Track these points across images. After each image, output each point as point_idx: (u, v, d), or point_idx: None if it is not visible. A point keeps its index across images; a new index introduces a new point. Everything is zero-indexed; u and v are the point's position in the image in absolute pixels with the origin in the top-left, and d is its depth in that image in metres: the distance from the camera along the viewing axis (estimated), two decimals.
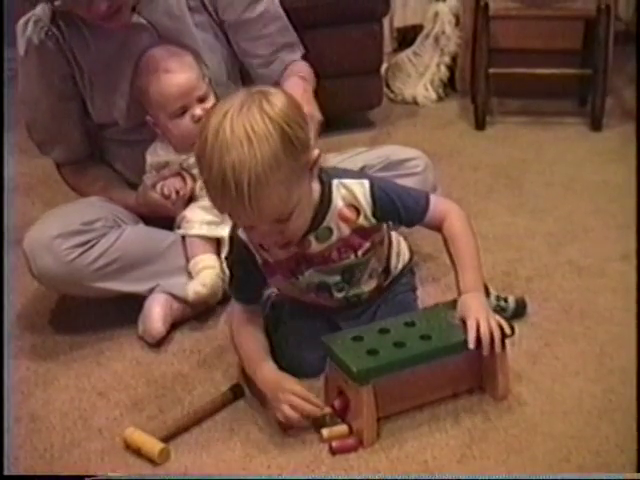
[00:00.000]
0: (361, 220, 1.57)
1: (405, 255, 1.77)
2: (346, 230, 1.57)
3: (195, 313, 1.90)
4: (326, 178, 1.55)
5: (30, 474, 1.48)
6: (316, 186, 1.53)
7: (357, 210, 1.56)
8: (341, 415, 1.52)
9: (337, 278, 1.63)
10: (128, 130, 1.95)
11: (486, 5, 2.97)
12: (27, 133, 2.03)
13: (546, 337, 1.78)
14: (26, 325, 1.93)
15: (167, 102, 1.85)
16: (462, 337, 1.53)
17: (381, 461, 1.46)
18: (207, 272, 1.86)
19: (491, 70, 3.03)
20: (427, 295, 1.86)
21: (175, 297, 1.86)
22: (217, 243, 1.92)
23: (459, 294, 1.58)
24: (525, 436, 1.50)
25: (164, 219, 1.95)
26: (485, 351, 1.51)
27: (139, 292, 1.86)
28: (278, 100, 1.40)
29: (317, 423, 1.52)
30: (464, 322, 1.53)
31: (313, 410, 1.50)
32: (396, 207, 1.57)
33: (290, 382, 1.54)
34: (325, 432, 1.50)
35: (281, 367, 1.64)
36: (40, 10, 1.88)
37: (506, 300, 1.82)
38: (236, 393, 1.62)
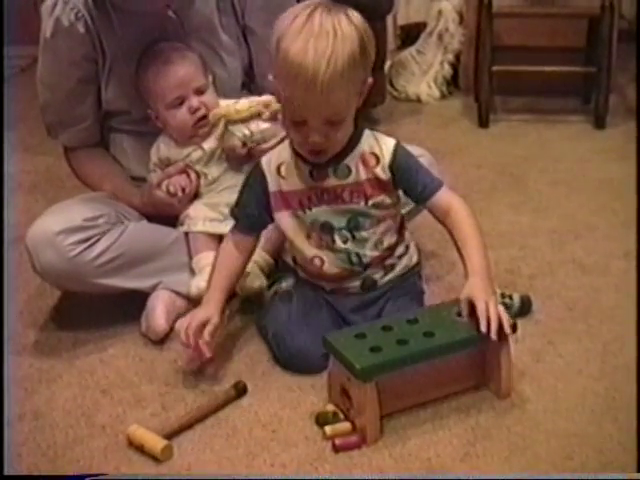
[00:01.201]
0: (379, 170, 1.64)
1: (413, 257, 1.79)
2: (363, 175, 1.64)
3: None
4: (360, 125, 1.65)
5: (32, 472, 1.48)
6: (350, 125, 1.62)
7: (377, 159, 1.64)
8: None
9: (342, 222, 1.66)
10: (138, 120, 1.95)
11: (490, 3, 2.97)
12: (41, 114, 2.01)
13: (549, 335, 1.78)
14: (29, 322, 1.92)
15: (164, 92, 1.86)
16: (465, 334, 1.53)
17: (384, 459, 1.46)
18: (209, 269, 1.85)
19: (494, 68, 3.03)
20: (431, 293, 1.85)
21: (178, 294, 1.86)
22: (220, 240, 1.91)
23: (467, 278, 1.58)
24: (528, 434, 1.50)
25: (168, 217, 1.95)
26: (493, 334, 1.50)
27: (142, 288, 1.86)
28: (359, 16, 1.55)
29: (320, 420, 1.53)
30: (472, 304, 1.53)
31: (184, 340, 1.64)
32: (412, 174, 1.66)
33: (201, 314, 1.66)
34: (328, 429, 1.50)
35: (284, 360, 1.69)
36: None
37: (511, 297, 1.82)
38: (239, 391, 1.62)
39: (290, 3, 1.98)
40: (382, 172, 1.64)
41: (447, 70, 3.42)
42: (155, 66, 1.86)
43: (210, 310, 1.67)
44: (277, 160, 1.67)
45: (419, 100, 3.38)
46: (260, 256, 1.87)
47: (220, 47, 1.95)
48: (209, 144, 1.90)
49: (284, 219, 1.69)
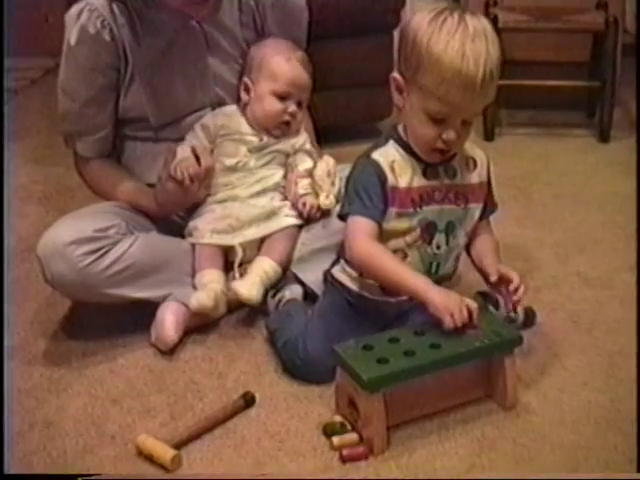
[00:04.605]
0: (478, 170, 1.72)
1: None
2: (466, 178, 1.71)
3: (208, 321, 1.91)
4: None
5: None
6: None
7: (474, 163, 1.73)
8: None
9: (443, 225, 1.69)
10: (155, 127, 1.97)
11: (495, 17, 2.99)
12: (59, 123, 2.02)
13: (554, 347, 1.79)
14: (39, 331, 1.93)
15: (281, 79, 1.94)
16: (472, 346, 1.55)
17: (391, 469, 1.47)
18: (212, 286, 1.86)
19: (500, 82, 3.04)
20: None
21: (188, 305, 1.87)
22: (225, 257, 1.93)
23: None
24: (533, 446, 1.51)
25: (177, 228, 1.97)
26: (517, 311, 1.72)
27: (152, 299, 1.86)
28: None
29: (328, 431, 1.54)
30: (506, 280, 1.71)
31: None
32: (491, 184, 1.76)
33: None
34: (336, 440, 1.51)
35: (295, 365, 1.69)
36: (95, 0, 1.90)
37: (515, 310, 1.83)
38: (247, 401, 1.64)
39: (302, 22, 2.04)
40: (480, 176, 1.72)
41: None
42: (288, 56, 1.94)
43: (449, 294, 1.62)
44: (388, 157, 1.65)
45: None
46: (270, 266, 1.89)
47: (242, 59, 1.99)
48: (274, 143, 1.97)
49: (388, 217, 1.65)
